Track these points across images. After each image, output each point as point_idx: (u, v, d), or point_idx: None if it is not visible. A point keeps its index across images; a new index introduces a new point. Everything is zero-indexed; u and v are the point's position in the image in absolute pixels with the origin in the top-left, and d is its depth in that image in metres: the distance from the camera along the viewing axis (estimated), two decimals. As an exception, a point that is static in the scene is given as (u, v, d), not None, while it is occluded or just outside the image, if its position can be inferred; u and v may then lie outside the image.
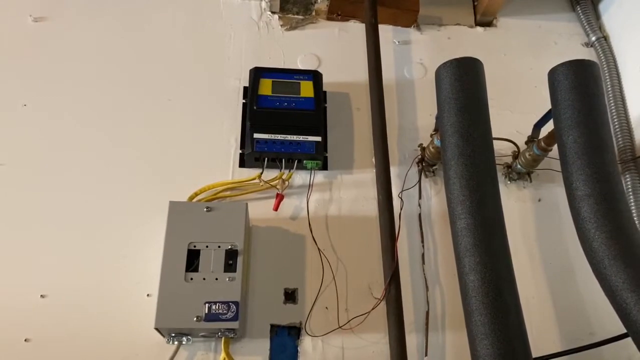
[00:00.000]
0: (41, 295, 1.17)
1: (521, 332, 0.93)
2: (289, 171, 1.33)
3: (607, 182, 1.01)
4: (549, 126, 1.22)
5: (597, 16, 1.73)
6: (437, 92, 1.14)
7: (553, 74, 1.14)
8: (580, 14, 1.72)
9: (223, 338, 1.10)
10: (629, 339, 0.96)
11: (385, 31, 1.61)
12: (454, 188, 1.03)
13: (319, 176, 1.37)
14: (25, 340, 1.13)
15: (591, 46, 1.68)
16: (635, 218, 1.35)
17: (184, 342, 1.13)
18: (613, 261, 0.94)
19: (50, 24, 1.51)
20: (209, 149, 1.38)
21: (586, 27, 1.69)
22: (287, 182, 1.31)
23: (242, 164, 1.36)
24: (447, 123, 1.08)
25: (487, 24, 1.71)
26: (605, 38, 1.66)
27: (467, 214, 0.99)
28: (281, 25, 1.59)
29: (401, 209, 1.32)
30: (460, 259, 0.99)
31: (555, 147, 1.18)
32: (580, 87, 1.09)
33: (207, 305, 1.06)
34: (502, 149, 1.39)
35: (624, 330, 0.96)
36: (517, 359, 0.89)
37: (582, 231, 1.01)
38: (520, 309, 0.95)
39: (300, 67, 1.53)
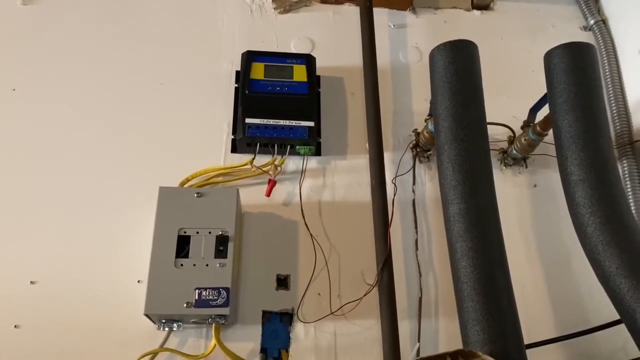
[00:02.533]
0: (31, 282, 1.16)
1: (513, 318, 0.92)
2: (282, 157, 1.31)
3: (602, 166, 1.00)
4: (545, 111, 1.20)
5: (596, -1, 1.71)
6: (431, 76, 1.12)
7: (549, 57, 1.12)
8: (579, -3, 1.69)
9: (214, 324, 1.09)
10: (623, 325, 0.95)
11: (381, 14, 1.58)
12: (447, 173, 1.02)
13: (312, 162, 1.35)
14: (15, 326, 1.12)
15: (590, 30, 1.66)
16: (631, 203, 1.34)
17: (174, 329, 1.12)
18: (607, 246, 0.93)
19: (40, 7, 1.48)
20: (201, 134, 1.36)
21: (585, 10, 1.67)
22: (279, 168, 1.30)
23: (234, 149, 1.34)
24: (441, 107, 1.07)
25: (484, 7, 1.68)
26: (604, 21, 1.64)
27: (460, 199, 0.98)
28: (274, 9, 1.57)
29: (394, 194, 1.30)
30: (453, 244, 0.98)
31: (551, 132, 1.17)
32: (577, 70, 1.07)
33: (197, 291, 1.05)
34: (497, 134, 1.37)
35: (619, 317, 0.95)
36: (508, 344, 0.89)
37: (576, 216, 1.00)
38: (512, 295, 0.94)
39: (294, 51, 1.50)
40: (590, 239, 0.96)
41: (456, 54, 1.09)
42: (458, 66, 1.08)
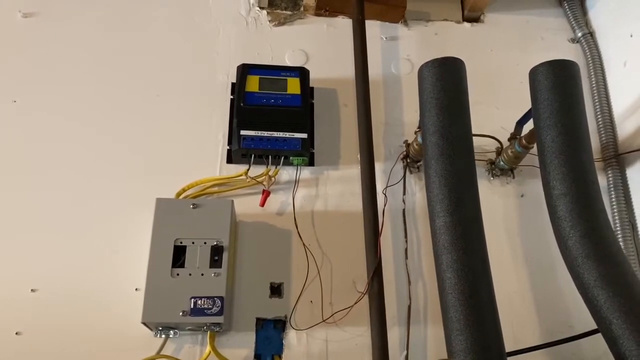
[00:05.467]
0: (32, 290, 1.20)
1: (495, 328, 0.95)
2: (276, 167, 1.35)
3: (583, 181, 1.04)
4: (532, 124, 1.23)
5: (584, 12, 1.73)
6: (419, 92, 1.16)
7: (534, 74, 1.16)
8: (567, 10, 1.72)
9: (209, 332, 1.13)
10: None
11: (373, 27, 1.61)
12: (433, 187, 1.05)
13: (305, 172, 1.39)
14: (17, 333, 1.16)
15: (577, 42, 1.69)
16: (615, 213, 1.38)
17: (171, 336, 1.15)
18: (586, 259, 0.97)
19: (40, 19, 1.51)
20: (197, 145, 1.39)
21: (573, 23, 1.70)
22: (273, 179, 1.33)
23: (230, 160, 1.38)
24: (428, 122, 1.10)
25: (475, 19, 1.71)
26: (591, 34, 1.67)
27: (446, 212, 1.02)
28: (269, 21, 1.60)
29: (385, 204, 1.34)
30: (438, 256, 1.01)
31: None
32: (560, 88, 1.11)
33: (192, 300, 1.09)
34: (486, 145, 1.41)
35: (598, 326, 0.99)
36: (490, 353, 0.92)
37: (557, 229, 1.04)
38: (495, 306, 0.98)
39: (288, 63, 1.54)
40: (571, 252, 1.00)
41: (444, 71, 1.12)
42: (445, 83, 1.11)
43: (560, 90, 1.10)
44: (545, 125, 1.10)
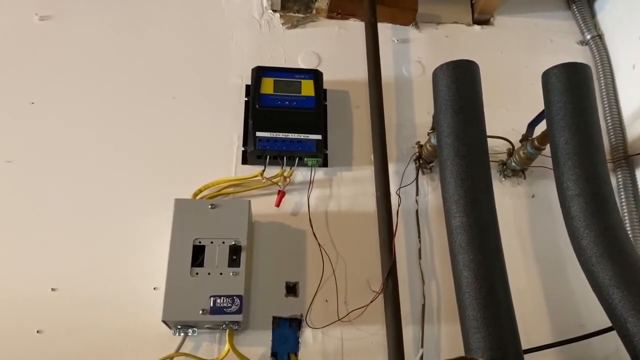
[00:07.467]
0: (52, 289, 1.21)
1: (512, 326, 0.97)
2: (290, 168, 1.36)
3: (597, 182, 1.06)
4: (543, 125, 1.25)
5: (593, 14, 1.75)
6: (434, 94, 1.18)
7: (546, 76, 1.18)
8: (576, 12, 1.74)
9: (227, 330, 1.15)
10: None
11: (385, 29, 1.63)
12: (449, 187, 1.07)
13: (319, 173, 1.41)
14: (37, 331, 1.17)
15: (586, 44, 1.70)
16: (625, 214, 1.40)
17: (189, 334, 1.17)
18: (600, 258, 0.99)
19: (56, 22, 1.53)
20: (213, 146, 1.41)
21: (581, 25, 1.72)
22: (288, 179, 1.35)
23: (245, 161, 1.39)
24: (444, 124, 1.12)
25: (485, 22, 1.73)
26: (600, 36, 1.68)
27: (462, 212, 1.03)
28: (282, 24, 1.62)
29: (399, 205, 1.36)
30: (455, 256, 1.03)
31: (548, 146, 1.22)
32: (572, 90, 1.13)
33: (212, 298, 1.11)
34: (497, 147, 1.42)
35: (612, 324, 1.01)
36: (507, 351, 0.94)
37: (571, 229, 1.06)
38: (511, 304, 1.00)
39: (301, 65, 1.56)
40: (585, 251, 1.02)
41: (458, 74, 1.14)
42: (460, 85, 1.13)
43: (574, 92, 1.12)
44: (558, 127, 1.12)
